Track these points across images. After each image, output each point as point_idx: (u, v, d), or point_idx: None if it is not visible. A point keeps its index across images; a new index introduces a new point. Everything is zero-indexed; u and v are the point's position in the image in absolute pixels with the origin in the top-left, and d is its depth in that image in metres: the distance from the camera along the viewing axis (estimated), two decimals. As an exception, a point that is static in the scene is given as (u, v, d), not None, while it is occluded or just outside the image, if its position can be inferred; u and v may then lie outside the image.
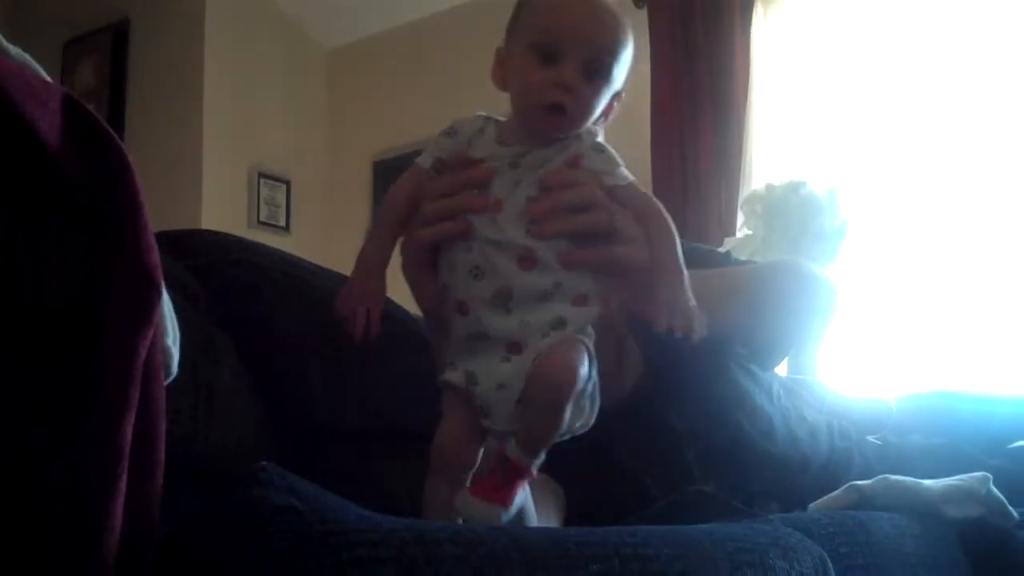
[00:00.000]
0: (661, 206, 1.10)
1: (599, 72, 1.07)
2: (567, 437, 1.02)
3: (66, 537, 0.48)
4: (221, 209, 4.49)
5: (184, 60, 4.54)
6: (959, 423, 2.08)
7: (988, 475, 1.56)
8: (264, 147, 4.74)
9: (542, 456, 0.97)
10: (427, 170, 1.10)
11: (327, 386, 1.40)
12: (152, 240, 0.55)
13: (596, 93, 1.07)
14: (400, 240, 1.11)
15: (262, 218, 4.67)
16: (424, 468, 1.07)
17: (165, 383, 0.60)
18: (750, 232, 2.96)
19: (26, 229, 0.52)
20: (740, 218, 3.32)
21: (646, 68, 4.02)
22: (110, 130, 0.58)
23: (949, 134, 3.49)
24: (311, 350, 1.39)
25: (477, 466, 1.04)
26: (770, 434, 1.57)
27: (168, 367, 0.62)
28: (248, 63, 4.70)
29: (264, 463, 0.61)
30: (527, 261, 1.02)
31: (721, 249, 2.92)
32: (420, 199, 1.10)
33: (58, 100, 0.56)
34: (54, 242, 0.53)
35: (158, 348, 0.56)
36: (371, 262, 1.09)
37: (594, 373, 1.03)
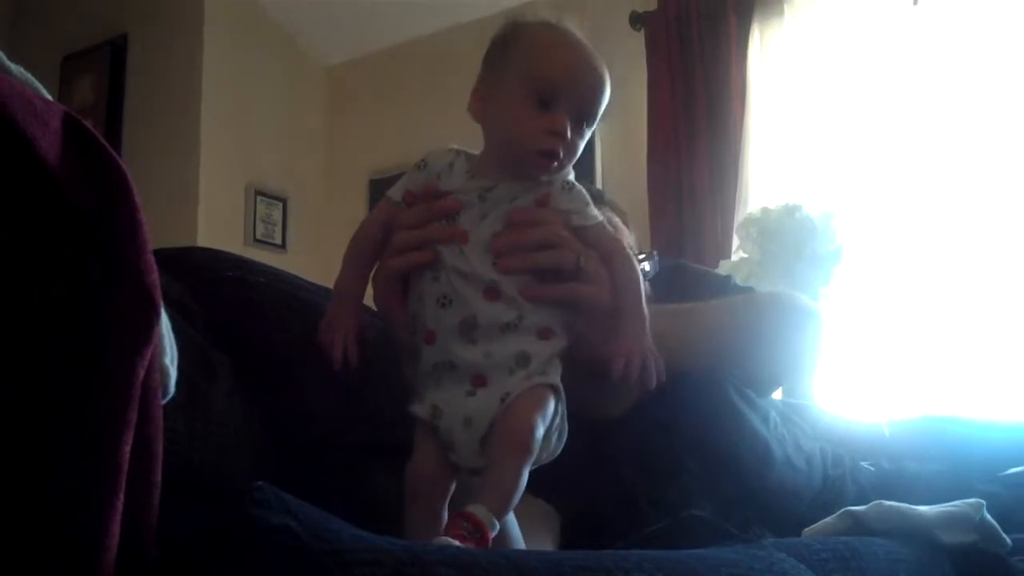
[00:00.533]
0: (627, 249, 1.12)
1: (587, 120, 1.10)
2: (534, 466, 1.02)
3: (63, 554, 0.48)
4: (218, 226, 4.49)
5: (182, 77, 4.55)
6: (953, 449, 2.08)
7: (982, 501, 1.56)
8: (261, 165, 4.75)
9: (501, 521, 0.95)
10: (397, 202, 1.12)
11: (324, 402, 1.40)
12: (151, 260, 0.55)
13: (582, 139, 1.10)
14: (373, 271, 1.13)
15: (258, 236, 4.68)
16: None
17: (163, 402, 0.60)
18: (745, 255, 2.97)
19: (24, 248, 0.52)
20: (735, 241, 3.33)
21: (642, 91, 4.04)
22: (110, 149, 0.58)
23: (945, 159, 3.51)
24: (307, 366, 1.39)
25: (450, 495, 1.05)
26: (767, 460, 1.57)
27: (166, 386, 0.62)
28: (246, 80, 4.71)
29: (260, 482, 0.61)
30: (492, 292, 1.03)
31: (720, 271, 2.92)
32: (391, 231, 1.11)
33: (59, 119, 0.56)
34: (53, 261, 0.53)
35: (156, 367, 0.56)
36: (346, 292, 1.12)
37: (561, 409, 1.04)
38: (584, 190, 1.12)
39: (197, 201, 4.43)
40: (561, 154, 1.07)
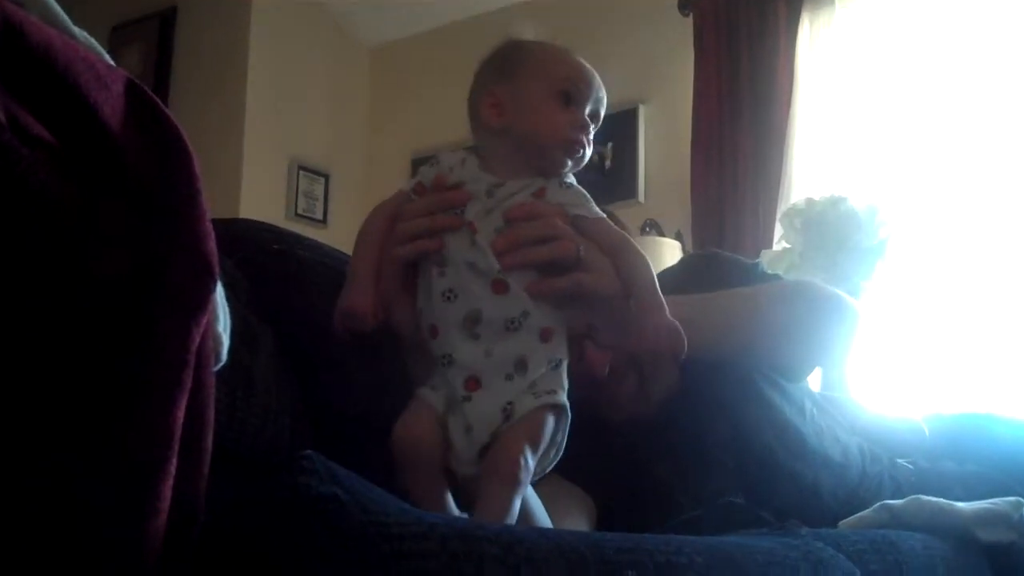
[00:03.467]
0: (631, 239, 1.16)
1: (595, 122, 1.17)
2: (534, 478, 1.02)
3: (115, 517, 0.49)
4: (260, 200, 4.52)
5: (229, 50, 4.57)
6: (991, 449, 2.06)
7: (1021, 500, 1.54)
8: (304, 140, 4.77)
9: None
10: (408, 192, 1.16)
11: (365, 377, 1.40)
12: (209, 227, 0.56)
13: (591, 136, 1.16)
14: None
15: (300, 210, 4.70)
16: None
17: (215, 369, 0.60)
18: (788, 245, 2.95)
19: (86, 211, 0.52)
20: (778, 231, 3.31)
21: (689, 76, 4.02)
22: (172, 116, 0.58)
23: (993, 155, 3.46)
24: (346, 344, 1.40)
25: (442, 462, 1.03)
26: (801, 454, 1.56)
27: (218, 354, 0.62)
28: (292, 56, 4.73)
29: (309, 451, 0.61)
30: (500, 284, 1.05)
31: (751, 260, 2.91)
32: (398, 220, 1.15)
33: (121, 84, 0.57)
34: (113, 225, 0.53)
35: (210, 334, 0.56)
36: (360, 278, 1.14)
37: (564, 425, 1.03)
38: (583, 191, 1.16)
39: (240, 175, 4.46)
40: (585, 147, 1.14)
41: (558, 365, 1.05)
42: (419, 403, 1.05)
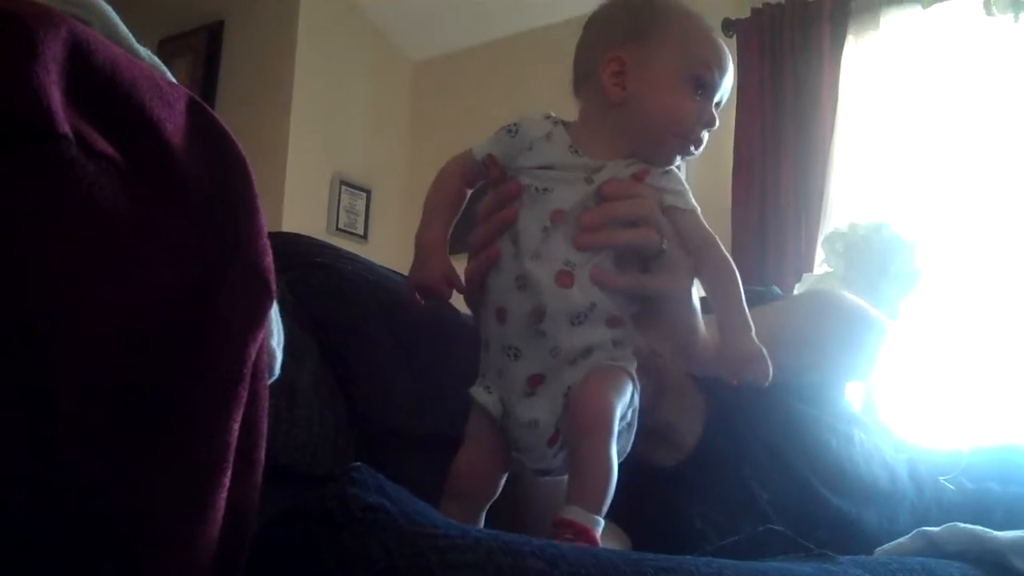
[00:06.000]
0: (720, 244, 1.08)
1: (716, 111, 1.07)
2: None
3: (170, 527, 0.50)
4: (302, 214, 4.55)
5: (274, 65, 4.62)
6: (1035, 476, 2.04)
7: (1062, 530, 1.53)
8: (347, 155, 4.80)
9: (603, 514, 0.93)
10: (478, 161, 1.09)
11: (407, 391, 1.41)
12: (267, 244, 0.57)
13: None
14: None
15: (341, 225, 4.73)
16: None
17: (268, 382, 0.61)
18: (830, 269, 2.94)
19: (148, 225, 0.54)
20: (819, 254, 3.29)
21: (731, 97, 4.01)
22: (231, 134, 0.60)
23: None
24: (392, 355, 1.41)
25: (496, 496, 1.02)
26: (842, 487, 1.54)
27: (272, 368, 0.64)
28: (336, 70, 4.77)
29: (358, 463, 0.62)
30: (565, 276, 0.99)
31: (802, 284, 2.90)
32: (469, 184, 1.10)
33: (183, 102, 0.58)
34: (174, 240, 0.54)
35: (265, 349, 0.57)
36: (430, 243, 1.10)
37: (636, 398, 1.01)
38: (682, 178, 1.08)
39: (283, 188, 4.50)
40: (703, 144, 1.06)
41: (622, 344, 1.01)
42: (476, 420, 1.03)
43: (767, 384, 1.04)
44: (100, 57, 0.54)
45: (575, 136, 1.05)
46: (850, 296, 1.82)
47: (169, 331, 0.53)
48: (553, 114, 1.09)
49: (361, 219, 4.84)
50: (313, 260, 1.49)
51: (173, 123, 0.56)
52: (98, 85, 0.54)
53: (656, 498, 1.46)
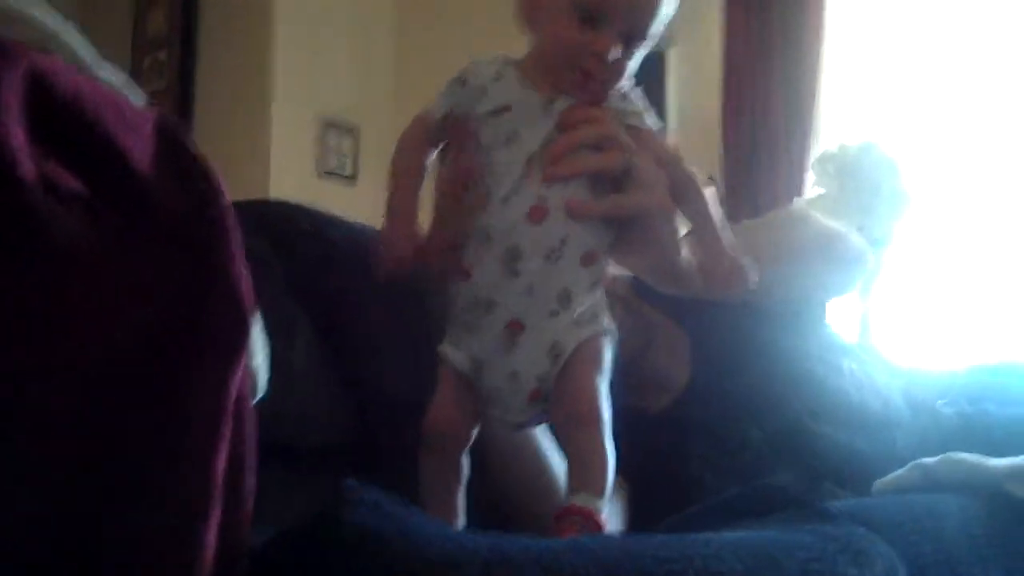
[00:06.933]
0: (683, 160, 1.06)
1: (638, 38, 1.01)
2: None
3: (157, 569, 0.50)
4: (288, 157, 4.52)
5: (255, 6, 4.55)
6: (1033, 395, 2.05)
7: (1059, 454, 1.54)
8: (332, 95, 4.75)
9: (607, 497, 0.93)
10: (437, 121, 1.06)
11: (401, 359, 1.41)
12: (243, 269, 0.56)
13: (632, 59, 1.03)
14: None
15: (329, 167, 4.69)
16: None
17: (254, 402, 0.61)
18: (821, 192, 2.92)
19: (120, 261, 0.53)
20: (810, 177, 3.28)
21: (717, 17, 3.96)
22: (200, 154, 0.58)
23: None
24: (383, 324, 1.40)
25: (470, 443, 1.02)
26: (833, 418, 1.56)
27: (255, 388, 0.63)
28: (317, 9, 4.69)
29: (350, 480, 0.62)
30: (537, 211, 0.96)
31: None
32: (432, 147, 1.07)
33: (150, 125, 0.57)
34: (148, 273, 0.54)
35: (247, 374, 0.57)
36: (399, 209, 1.07)
37: (614, 349, 1.00)
38: (642, 102, 1.06)
39: (269, 132, 4.46)
40: (600, 77, 1.00)
41: (598, 285, 1.00)
42: (446, 376, 1.02)
43: (754, 287, 1.03)
44: (62, 88, 0.53)
45: (525, 72, 1.03)
46: (820, 215, 1.82)
47: (146, 369, 0.52)
48: (500, 54, 1.07)
49: (349, 160, 4.80)
50: (299, 227, 1.48)
51: (140, 150, 0.55)
52: (62, 118, 0.53)
53: (649, 443, 1.47)
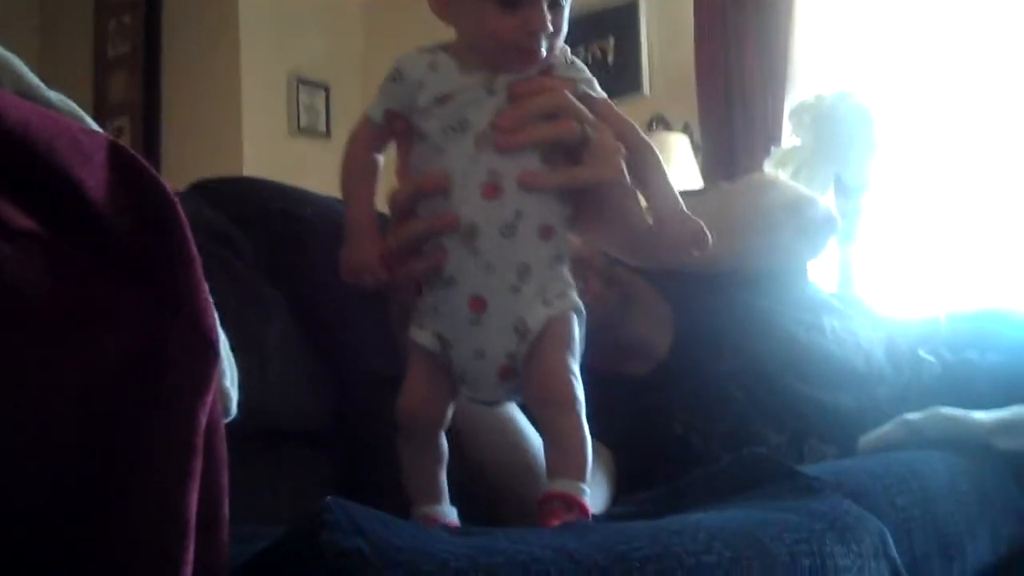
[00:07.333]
0: (637, 127, 1.04)
1: (559, 5, 0.98)
2: None
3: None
4: (260, 117, 4.47)
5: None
6: (1014, 339, 2.05)
7: (1041, 407, 1.55)
8: (302, 52, 4.69)
9: (587, 480, 0.91)
10: (379, 124, 1.02)
11: (377, 333, 1.40)
12: (206, 296, 0.54)
13: (563, 17, 0.99)
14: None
15: (302, 125, 4.64)
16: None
17: (225, 422, 0.59)
18: (797, 142, 2.91)
19: (80, 298, 0.51)
20: (787, 127, 3.26)
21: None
22: (157, 177, 0.56)
23: (1004, 48, 3.37)
24: (358, 299, 1.38)
25: (447, 422, 1.01)
26: (815, 377, 1.56)
27: (227, 409, 0.62)
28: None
29: (330, 500, 0.60)
30: (490, 188, 0.94)
31: (772, 160, 2.89)
32: (378, 151, 1.03)
33: (104, 152, 0.55)
34: (108, 309, 0.52)
35: (217, 399, 0.55)
36: (356, 223, 1.03)
37: (583, 323, 0.97)
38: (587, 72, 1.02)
39: (239, 93, 4.41)
40: (542, 49, 0.96)
41: (561, 260, 0.98)
42: (416, 359, 1.00)
43: (706, 250, 1.01)
44: (11, 120, 0.51)
45: (461, 57, 0.99)
46: (788, 181, 1.82)
47: (109, 408, 0.50)
48: (427, 45, 1.02)
49: (322, 117, 4.75)
50: (270, 207, 1.46)
51: (95, 179, 0.53)
52: (12, 153, 0.50)
53: (633, 408, 1.47)
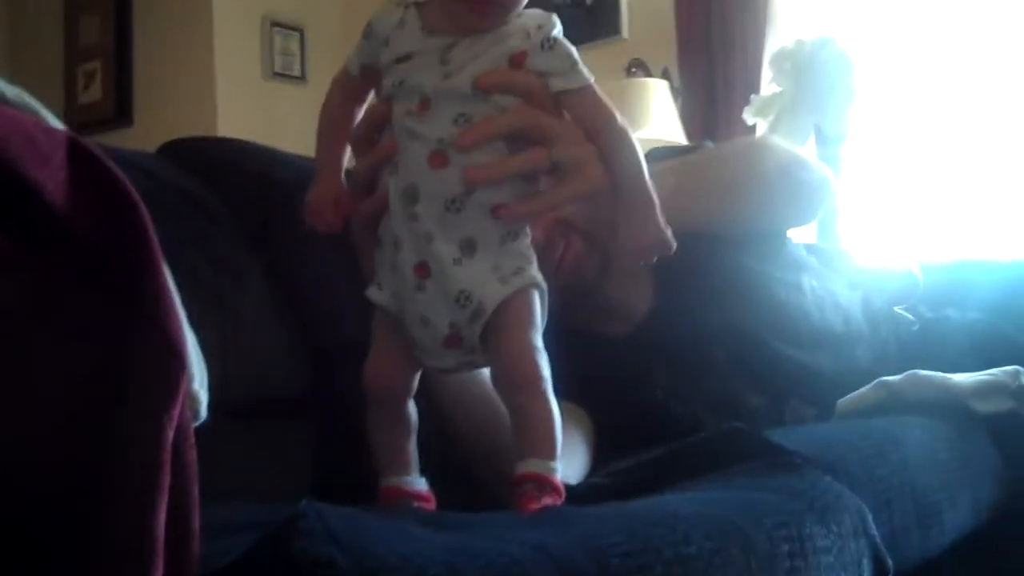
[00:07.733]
0: (618, 116, 0.98)
1: None
2: None
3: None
4: (234, 61, 4.41)
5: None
6: (991, 294, 2.05)
7: (1020, 368, 1.55)
8: (275, -7, 4.62)
9: (558, 456, 0.90)
10: (356, 77, 1.00)
11: (355, 300, 1.38)
12: (171, 302, 0.52)
13: None
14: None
15: (277, 69, 4.58)
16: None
17: (195, 425, 0.58)
18: (778, 90, 2.89)
19: (41, 307, 0.49)
20: (767, 74, 3.24)
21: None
22: (120, 177, 0.54)
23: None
24: (336, 264, 1.36)
25: (414, 392, 0.99)
26: (796, 337, 1.55)
27: (197, 412, 0.60)
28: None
29: (304, 505, 0.59)
30: (438, 157, 0.91)
31: (752, 108, 2.87)
32: (354, 103, 1.02)
33: (63, 151, 0.52)
34: (73, 315, 0.50)
35: (186, 406, 0.54)
36: (323, 167, 1.02)
37: (544, 300, 0.95)
38: (570, 47, 0.97)
39: (212, 38, 4.34)
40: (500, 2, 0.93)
41: (515, 236, 0.95)
42: (379, 323, 0.99)
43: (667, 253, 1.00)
44: (-36, 120, 0.48)
45: (427, 16, 0.95)
46: (783, 143, 1.79)
47: (72, 421, 0.49)
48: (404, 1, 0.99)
49: (297, 60, 4.69)
50: (245, 168, 1.43)
51: (54, 181, 0.51)
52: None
53: (612, 370, 1.46)
